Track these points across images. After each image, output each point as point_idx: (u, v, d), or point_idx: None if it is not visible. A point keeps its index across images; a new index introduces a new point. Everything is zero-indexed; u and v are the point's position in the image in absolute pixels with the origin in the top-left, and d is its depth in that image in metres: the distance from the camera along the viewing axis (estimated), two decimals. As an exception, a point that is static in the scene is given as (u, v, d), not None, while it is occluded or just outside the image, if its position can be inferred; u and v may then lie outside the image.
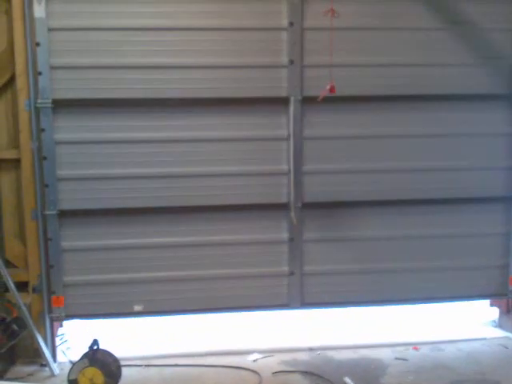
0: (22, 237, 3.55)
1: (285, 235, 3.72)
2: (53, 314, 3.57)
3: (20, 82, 3.34)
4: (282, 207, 3.67)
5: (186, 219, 3.62)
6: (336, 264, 3.79)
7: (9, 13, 3.30)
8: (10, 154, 3.46)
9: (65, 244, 3.54)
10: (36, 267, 3.50)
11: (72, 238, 3.54)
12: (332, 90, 3.02)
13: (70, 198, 3.50)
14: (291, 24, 3.49)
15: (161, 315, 3.78)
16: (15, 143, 3.47)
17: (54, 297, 3.54)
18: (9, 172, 3.51)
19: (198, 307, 3.70)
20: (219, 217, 3.64)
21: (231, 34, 3.49)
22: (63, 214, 3.50)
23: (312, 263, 3.76)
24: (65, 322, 3.85)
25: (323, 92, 3.12)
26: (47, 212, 3.47)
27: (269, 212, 3.68)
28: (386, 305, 4.01)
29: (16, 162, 3.46)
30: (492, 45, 3.68)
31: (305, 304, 3.80)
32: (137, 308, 3.63)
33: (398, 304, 4.02)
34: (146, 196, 3.56)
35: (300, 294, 3.77)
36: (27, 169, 3.42)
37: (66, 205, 3.50)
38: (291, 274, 3.74)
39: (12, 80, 3.39)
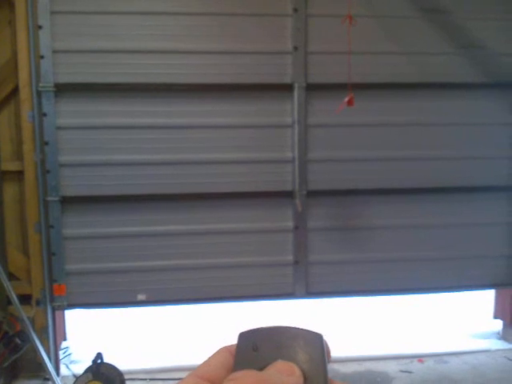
0: (25, 249, 3.50)
1: (289, 223, 3.65)
2: (55, 303, 3.49)
3: (23, 93, 3.30)
4: (287, 195, 3.61)
5: (189, 207, 3.54)
6: (341, 253, 3.72)
7: (12, 23, 3.27)
8: (13, 166, 3.41)
9: (66, 231, 3.46)
10: (39, 280, 3.46)
11: (74, 226, 3.46)
12: (350, 102, 3.00)
13: (72, 184, 3.42)
14: (295, 10, 3.46)
15: (164, 304, 3.72)
16: (19, 155, 3.43)
17: (55, 285, 3.46)
18: (12, 184, 3.46)
19: (202, 296, 3.63)
20: (223, 204, 3.57)
21: (235, 20, 3.44)
22: (65, 201, 3.42)
23: (317, 252, 3.70)
24: (68, 329, 3.82)
25: (341, 105, 3.10)
26: (49, 198, 3.39)
27: (273, 200, 3.62)
28: (392, 294, 3.96)
29: (19, 174, 3.42)
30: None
31: (309, 293, 3.74)
32: (140, 297, 3.55)
33: (404, 294, 3.97)
34: (150, 183, 3.49)
35: (305, 283, 3.70)
36: (30, 181, 3.37)
37: (68, 191, 3.42)
38: (296, 262, 3.68)
39: (15, 91, 3.35)
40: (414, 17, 3.58)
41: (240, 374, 0.42)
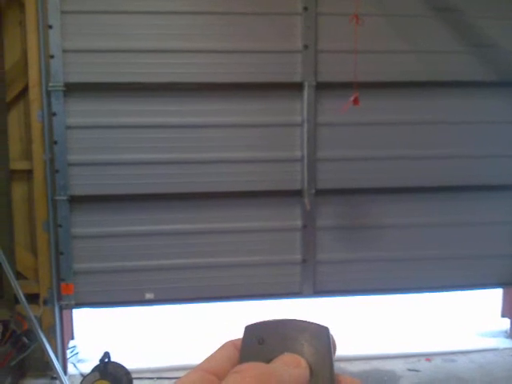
0: (33, 248, 3.51)
1: (298, 222, 3.65)
2: (62, 302, 3.49)
3: (33, 92, 3.32)
4: (296, 194, 3.61)
5: (197, 206, 3.55)
6: (349, 252, 3.71)
7: (23, 24, 3.30)
8: (22, 165, 3.42)
9: (75, 230, 3.46)
10: (47, 279, 3.46)
11: (82, 225, 3.46)
12: (355, 101, 3.01)
13: (80, 183, 3.43)
14: (305, 9, 3.47)
15: (172, 303, 3.73)
16: (28, 154, 3.44)
17: (63, 284, 3.45)
18: (21, 183, 3.47)
19: (210, 295, 3.63)
20: (232, 203, 3.57)
21: (244, 19, 3.45)
22: (74, 200, 3.43)
23: (325, 251, 3.69)
24: (76, 328, 3.82)
25: (347, 104, 3.11)
26: (57, 197, 3.39)
27: (282, 199, 3.62)
28: (399, 293, 3.96)
29: (28, 173, 3.43)
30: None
31: (317, 292, 3.73)
32: (148, 296, 3.55)
33: (412, 292, 3.96)
34: (158, 182, 3.49)
35: (313, 281, 3.70)
36: (39, 180, 3.38)
37: (76, 190, 3.43)
38: (304, 261, 3.67)
39: (25, 90, 3.37)
40: (423, 15, 3.59)
41: (245, 367, 0.42)
